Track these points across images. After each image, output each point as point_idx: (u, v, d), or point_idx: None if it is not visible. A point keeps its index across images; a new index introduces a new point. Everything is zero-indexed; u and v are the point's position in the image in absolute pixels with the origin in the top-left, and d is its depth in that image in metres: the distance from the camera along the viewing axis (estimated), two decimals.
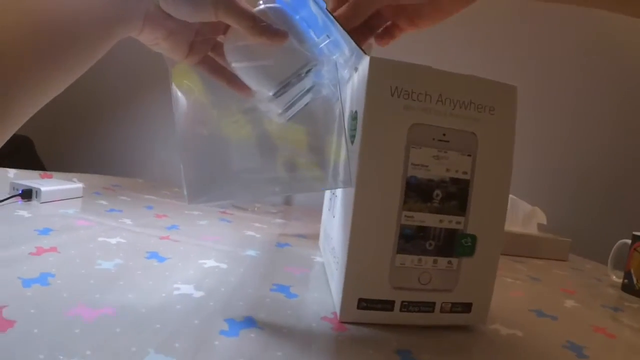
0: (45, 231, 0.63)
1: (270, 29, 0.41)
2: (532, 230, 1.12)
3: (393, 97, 0.43)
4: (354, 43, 0.44)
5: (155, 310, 0.42)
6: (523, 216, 1.12)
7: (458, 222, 0.45)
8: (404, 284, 0.45)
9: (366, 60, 0.44)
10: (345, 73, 0.51)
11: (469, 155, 0.45)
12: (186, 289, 0.48)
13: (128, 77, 1.58)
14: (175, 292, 0.47)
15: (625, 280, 0.81)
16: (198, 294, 0.48)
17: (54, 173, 1.04)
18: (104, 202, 0.92)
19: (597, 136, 1.38)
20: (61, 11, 0.32)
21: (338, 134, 0.46)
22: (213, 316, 0.42)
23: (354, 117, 0.47)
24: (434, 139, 0.44)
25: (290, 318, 0.45)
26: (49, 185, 0.85)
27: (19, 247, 0.54)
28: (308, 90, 0.45)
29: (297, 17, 0.45)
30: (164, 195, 1.14)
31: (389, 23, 0.53)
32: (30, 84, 0.31)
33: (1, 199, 0.76)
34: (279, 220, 1.02)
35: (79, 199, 0.91)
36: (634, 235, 0.82)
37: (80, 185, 0.94)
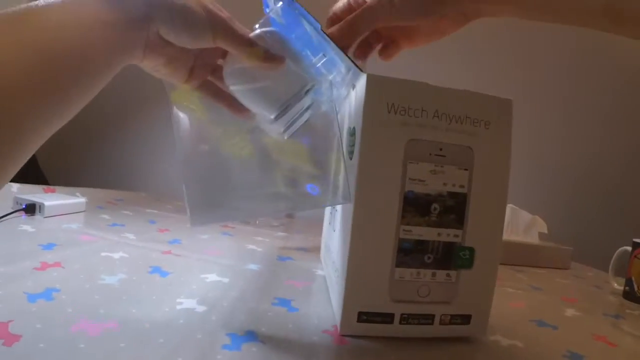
0: (49, 246, 0.63)
1: (268, 54, 0.42)
2: (533, 239, 1.12)
3: (390, 114, 0.44)
4: (349, 61, 0.45)
5: (158, 325, 0.42)
6: (524, 225, 1.13)
7: (456, 235, 0.46)
8: (404, 297, 0.46)
9: (363, 78, 0.45)
10: (343, 91, 0.52)
11: (466, 169, 0.46)
12: (189, 303, 0.49)
13: (131, 91, 1.59)
14: (178, 307, 0.48)
15: (627, 288, 0.82)
16: (201, 308, 0.48)
17: (56, 187, 1.05)
18: (106, 217, 0.92)
19: (595, 144, 1.39)
20: (63, 45, 0.32)
21: (337, 150, 0.47)
22: (215, 330, 0.43)
23: (352, 133, 0.48)
24: (430, 154, 0.45)
25: (291, 332, 0.46)
26: (52, 199, 0.86)
27: (24, 262, 0.54)
28: (307, 108, 0.46)
29: (293, 36, 0.46)
30: (166, 209, 1.14)
31: (388, 40, 0.54)
32: (37, 117, 0.32)
33: (5, 213, 0.77)
34: (280, 234, 1.03)
35: (82, 213, 0.92)
36: (634, 242, 0.82)
37: (83, 199, 0.94)
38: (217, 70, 0.47)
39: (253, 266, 0.69)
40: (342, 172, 0.46)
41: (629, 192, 1.37)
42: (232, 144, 0.50)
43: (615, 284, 0.87)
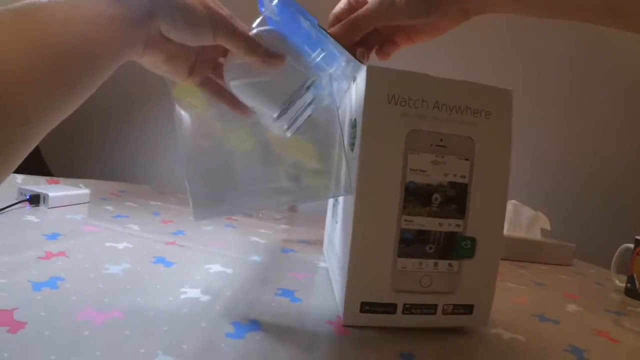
0: (54, 236, 0.64)
1: (268, 52, 0.42)
2: (536, 235, 1.12)
3: (390, 105, 0.44)
4: (348, 53, 0.45)
5: (163, 314, 0.43)
6: (527, 221, 1.13)
7: (457, 225, 0.46)
8: (406, 287, 0.46)
9: (364, 70, 0.45)
10: (343, 84, 0.52)
11: (467, 160, 0.46)
12: (193, 293, 0.49)
13: (135, 84, 1.59)
14: (183, 296, 0.48)
15: (628, 285, 0.81)
16: (205, 297, 0.48)
17: (60, 179, 1.05)
18: (110, 208, 0.93)
19: (598, 141, 1.39)
20: (68, 41, 0.33)
21: (338, 142, 0.47)
22: (219, 319, 0.43)
23: (353, 125, 0.48)
24: (431, 145, 0.45)
25: (294, 321, 0.46)
26: (56, 190, 0.86)
27: (28, 252, 0.55)
28: (309, 104, 0.46)
29: (290, 33, 0.45)
30: (170, 202, 1.15)
31: (386, 39, 0.54)
32: (42, 112, 0.32)
33: (9, 204, 0.77)
34: (283, 226, 1.03)
35: (85, 204, 0.92)
36: (636, 240, 0.82)
37: (87, 191, 0.95)
38: (218, 68, 0.47)
39: (256, 258, 0.69)
40: (344, 164, 0.46)
41: (631, 189, 1.36)
42: (234, 139, 0.50)
43: (617, 281, 0.87)
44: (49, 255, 0.54)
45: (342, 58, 0.47)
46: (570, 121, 1.39)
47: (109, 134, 1.67)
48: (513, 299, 0.67)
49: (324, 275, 0.64)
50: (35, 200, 0.82)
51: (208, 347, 0.37)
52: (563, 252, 1.07)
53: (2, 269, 0.48)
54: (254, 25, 0.45)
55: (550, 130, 1.39)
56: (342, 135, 0.47)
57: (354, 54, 0.46)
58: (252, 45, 0.42)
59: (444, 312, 0.47)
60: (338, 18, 0.49)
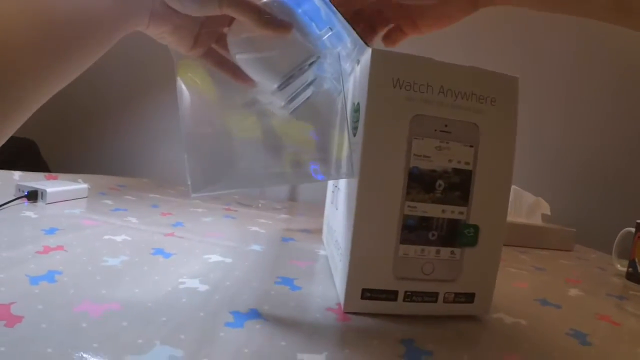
0: (52, 231, 0.63)
1: (275, 21, 0.41)
2: (537, 221, 1.12)
3: (395, 89, 0.44)
4: (356, 35, 0.45)
5: (161, 304, 0.42)
6: (527, 207, 1.12)
7: (461, 213, 0.46)
8: (408, 274, 0.45)
9: (368, 53, 0.44)
10: (347, 66, 0.51)
11: (471, 146, 0.45)
12: (192, 283, 0.49)
13: (132, 78, 1.58)
14: (181, 286, 0.48)
15: (630, 269, 0.81)
16: (203, 287, 0.48)
17: (59, 174, 1.05)
18: (109, 202, 0.92)
19: (598, 125, 1.38)
20: (71, 9, 0.33)
21: (340, 126, 0.46)
22: (218, 309, 0.43)
23: (356, 109, 0.47)
24: (436, 130, 0.44)
25: (294, 310, 0.46)
26: (54, 186, 0.86)
27: (26, 247, 0.54)
28: (310, 84, 0.45)
29: (300, 10, 0.45)
30: (169, 194, 1.14)
31: (392, 26, 0.53)
32: (38, 76, 0.32)
33: (7, 200, 0.77)
34: (283, 216, 1.03)
35: (84, 199, 0.91)
36: (637, 224, 0.82)
37: (85, 185, 0.94)
38: (221, 39, 0.47)
39: (256, 247, 0.69)
40: (346, 147, 0.45)
41: (632, 174, 1.36)
42: (234, 114, 0.49)
43: (619, 266, 0.87)
44: (46, 250, 0.54)
45: (348, 39, 0.46)
46: (570, 107, 1.39)
47: (107, 128, 1.66)
48: (514, 284, 0.67)
49: (324, 263, 0.64)
50: (33, 196, 0.81)
51: (206, 337, 0.37)
52: (564, 237, 1.07)
53: (0, 265, 0.47)
54: None
55: (551, 116, 1.38)
56: (346, 116, 0.46)
57: (361, 36, 0.45)
58: (259, 15, 0.41)
59: (445, 300, 0.47)
60: None
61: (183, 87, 0.47)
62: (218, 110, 0.50)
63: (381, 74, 0.44)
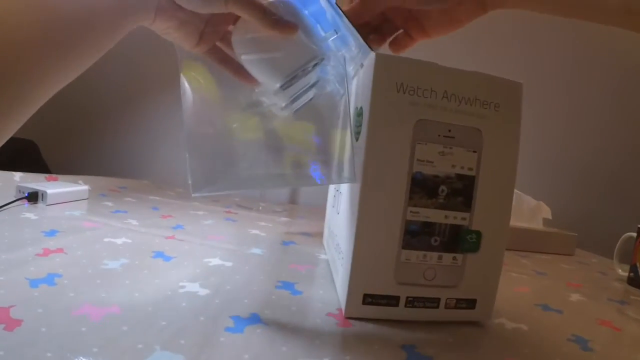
0: (52, 233, 0.63)
1: (281, 21, 0.41)
2: (538, 225, 1.12)
3: (399, 93, 0.43)
4: (361, 40, 0.44)
5: (161, 308, 0.42)
6: (528, 211, 1.12)
7: (463, 218, 0.45)
8: (409, 280, 0.45)
9: (372, 57, 0.44)
10: (350, 70, 0.51)
11: (474, 152, 0.45)
12: (192, 287, 0.49)
13: (132, 80, 1.58)
14: (181, 290, 0.47)
15: (631, 274, 0.81)
16: (204, 291, 0.48)
17: (59, 176, 1.05)
18: (109, 204, 0.92)
19: (598, 130, 1.38)
20: (76, 2, 0.33)
21: (343, 129, 0.46)
22: (219, 313, 0.43)
23: (359, 113, 0.47)
24: (439, 135, 0.44)
25: (295, 314, 0.45)
26: (54, 187, 0.86)
27: (26, 249, 0.54)
28: (312, 85, 0.45)
29: (306, 12, 0.45)
30: (169, 196, 1.14)
31: (401, 31, 0.53)
32: (46, 73, 0.32)
33: (7, 202, 0.76)
34: (283, 219, 1.03)
35: (84, 201, 0.91)
36: (639, 228, 0.82)
37: (85, 187, 0.94)
38: (226, 37, 0.47)
39: (256, 250, 0.68)
40: (348, 151, 0.45)
41: (634, 178, 1.36)
42: (236, 115, 0.49)
43: (620, 270, 0.86)
44: (46, 252, 0.54)
45: (353, 43, 0.46)
46: (571, 111, 1.38)
47: (108, 130, 1.66)
48: (515, 289, 0.67)
49: (324, 267, 0.64)
50: (33, 197, 0.81)
51: (207, 342, 0.37)
52: (565, 242, 1.07)
53: None
54: None
55: (552, 120, 1.38)
56: (349, 119, 0.46)
57: (366, 41, 0.45)
58: (265, 14, 0.41)
59: (447, 306, 0.47)
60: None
61: (186, 86, 0.47)
62: (220, 111, 0.50)
63: (385, 79, 0.43)
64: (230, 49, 0.46)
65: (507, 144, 0.46)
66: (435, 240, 0.45)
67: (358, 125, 0.47)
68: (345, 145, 0.46)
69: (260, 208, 1.13)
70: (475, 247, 0.46)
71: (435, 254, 0.45)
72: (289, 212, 1.16)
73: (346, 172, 0.45)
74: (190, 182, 0.45)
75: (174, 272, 0.53)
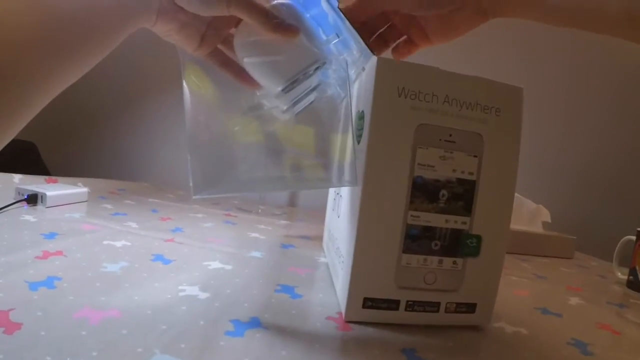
0: (51, 235, 0.63)
1: (283, 24, 0.41)
2: (537, 228, 1.12)
3: (400, 98, 0.43)
4: (363, 43, 0.44)
5: (161, 312, 0.42)
6: (528, 214, 1.12)
7: (464, 223, 0.45)
8: (410, 284, 0.45)
9: (373, 61, 0.44)
10: (352, 73, 0.51)
11: (475, 156, 0.45)
12: (191, 290, 0.49)
13: (132, 82, 1.58)
14: (181, 294, 0.47)
15: (631, 277, 0.81)
16: (203, 295, 0.48)
17: (59, 178, 1.05)
18: (109, 206, 0.92)
19: (598, 133, 1.38)
20: (78, 4, 0.33)
21: (343, 132, 0.46)
22: (218, 317, 0.43)
23: (360, 117, 0.47)
24: (440, 140, 0.44)
25: (295, 318, 0.45)
26: (54, 190, 0.85)
27: (25, 251, 0.54)
28: (314, 89, 0.45)
29: (308, 15, 0.45)
30: (168, 199, 1.14)
31: (404, 38, 0.53)
32: (44, 74, 0.32)
33: (7, 204, 0.76)
34: (283, 222, 1.03)
35: (84, 203, 0.91)
36: (638, 232, 0.82)
37: (85, 189, 0.94)
38: (227, 40, 0.47)
39: (256, 254, 0.68)
40: (349, 154, 0.45)
41: (633, 181, 1.36)
42: (237, 119, 0.49)
43: (619, 274, 0.87)
44: (46, 255, 0.54)
45: (355, 47, 0.46)
46: (570, 115, 1.39)
47: (107, 132, 1.65)
48: (515, 293, 0.67)
49: (324, 271, 0.64)
50: (33, 199, 0.81)
51: (206, 346, 0.36)
52: (564, 245, 1.07)
53: None
54: None
55: (551, 123, 1.38)
56: (351, 123, 0.46)
57: (367, 45, 0.45)
58: (266, 17, 0.41)
59: (447, 310, 0.47)
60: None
61: (188, 89, 0.47)
62: (222, 114, 0.50)
63: (386, 83, 0.43)
64: (232, 51, 0.46)
65: (507, 149, 0.47)
66: (436, 245, 0.45)
67: (360, 128, 0.47)
68: (346, 148, 0.46)
69: (260, 211, 1.13)
70: (475, 252, 0.46)
71: (435, 258, 0.45)
72: (289, 215, 1.16)
73: (347, 176, 0.45)
74: (191, 184, 0.45)
75: (173, 276, 0.53)
